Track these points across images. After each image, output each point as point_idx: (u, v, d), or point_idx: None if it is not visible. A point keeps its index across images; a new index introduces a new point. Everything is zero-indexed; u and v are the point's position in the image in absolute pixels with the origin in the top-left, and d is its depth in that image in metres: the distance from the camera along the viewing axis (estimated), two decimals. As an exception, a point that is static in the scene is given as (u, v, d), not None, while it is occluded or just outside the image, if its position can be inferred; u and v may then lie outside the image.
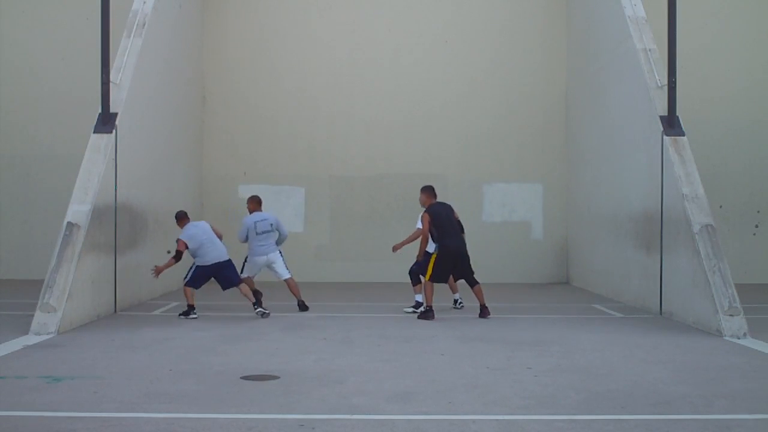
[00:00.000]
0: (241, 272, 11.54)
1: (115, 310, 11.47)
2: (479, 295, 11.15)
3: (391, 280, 16.79)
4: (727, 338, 9.43)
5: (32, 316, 9.50)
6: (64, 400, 6.21)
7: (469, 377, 7.15)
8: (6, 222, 16.89)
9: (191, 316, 10.93)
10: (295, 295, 11.79)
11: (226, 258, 11.16)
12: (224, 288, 11.37)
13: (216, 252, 11.05)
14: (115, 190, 11.39)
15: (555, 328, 10.33)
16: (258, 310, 11.04)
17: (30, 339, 9.02)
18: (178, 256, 11.05)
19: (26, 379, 6.93)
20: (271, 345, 8.83)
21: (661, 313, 11.41)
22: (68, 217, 10.31)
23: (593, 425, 5.57)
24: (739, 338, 9.42)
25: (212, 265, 11.04)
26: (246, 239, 11.57)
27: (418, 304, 11.50)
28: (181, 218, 11.46)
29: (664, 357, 8.24)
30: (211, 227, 11.32)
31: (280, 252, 11.78)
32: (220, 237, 11.30)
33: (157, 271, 11.09)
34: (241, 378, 7.03)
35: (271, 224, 11.57)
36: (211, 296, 12.59)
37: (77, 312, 10.02)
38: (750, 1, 17.10)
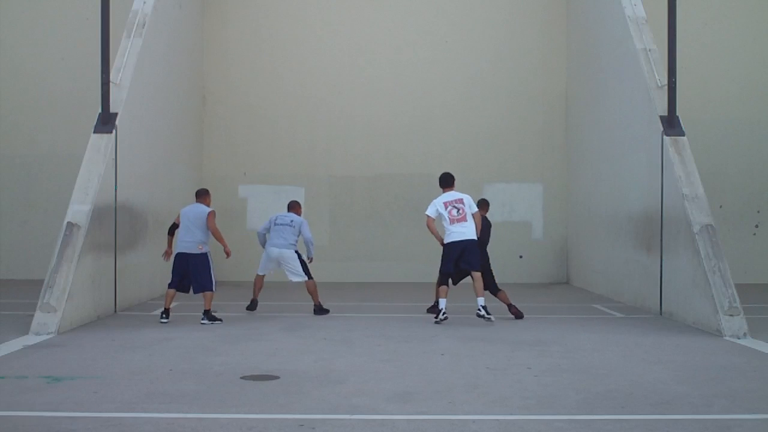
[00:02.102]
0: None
1: (115, 310, 11.47)
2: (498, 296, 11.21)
3: (391, 280, 16.82)
4: (727, 338, 9.43)
5: (32, 316, 9.50)
6: (64, 400, 6.21)
7: (469, 377, 7.15)
8: (6, 222, 16.89)
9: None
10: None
11: None
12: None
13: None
14: (115, 190, 11.38)
15: (555, 328, 10.32)
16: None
17: (30, 339, 9.02)
18: None
19: (26, 379, 6.93)
20: (271, 345, 8.83)
21: (661, 313, 11.41)
22: (68, 217, 10.30)
23: (593, 425, 5.57)
24: (739, 338, 9.42)
25: None
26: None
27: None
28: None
29: (664, 357, 8.24)
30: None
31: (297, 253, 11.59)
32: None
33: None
34: (241, 378, 7.03)
35: (292, 221, 11.57)
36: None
37: (77, 312, 10.01)
38: (750, 2, 17.10)
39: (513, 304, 11.17)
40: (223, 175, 17.23)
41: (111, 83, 11.38)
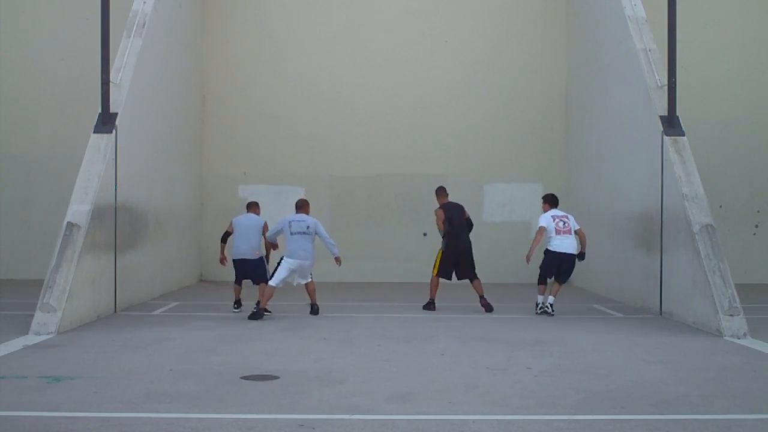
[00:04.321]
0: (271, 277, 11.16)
1: (115, 310, 11.47)
2: (478, 289, 11.79)
3: (391, 279, 16.82)
4: (727, 338, 9.44)
5: (32, 316, 9.50)
6: (64, 400, 6.21)
7: (469, 377, 7.15)
8: (6, 222, 16.89)
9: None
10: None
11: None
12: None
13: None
14: (115, 190, 11.38)
15: (555, 328, 10.33)
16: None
17: (30, 339, 9.02)
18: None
19: (26, 379, 6.93)
20: (271, 345, 8.83)
21: (661, 313, 11.41)
22: (68, 217, 10.30)
23: (593, 425, 5.57)
24: (739, 338, 9.42)
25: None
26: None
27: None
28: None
29: (664, 357, 8.25)
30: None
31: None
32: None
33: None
34: (241, 378, 7.03)
35: (308, 226, 11.29)
36: (212, 296, 12.58)
37: (77, 312, 10.01)
38: (750, 2, 17.11)
39: (484, 296, 11.79)
40: (223, 175, 17.23)
41: (111, 83, 11.38)
